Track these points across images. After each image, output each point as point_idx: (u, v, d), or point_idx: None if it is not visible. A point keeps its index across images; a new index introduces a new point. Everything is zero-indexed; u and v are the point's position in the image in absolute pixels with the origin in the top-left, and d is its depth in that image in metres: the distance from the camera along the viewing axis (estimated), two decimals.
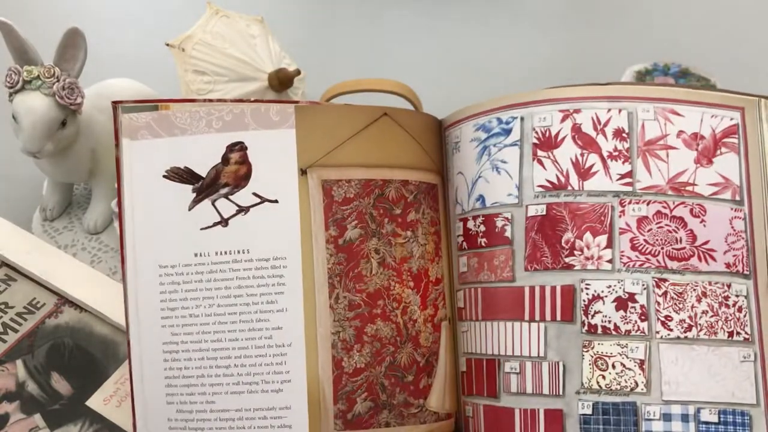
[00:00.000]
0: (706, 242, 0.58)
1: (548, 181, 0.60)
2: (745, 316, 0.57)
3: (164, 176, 0.59)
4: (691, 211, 0.58)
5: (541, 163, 0.60)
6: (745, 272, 0.58)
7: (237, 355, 0.58)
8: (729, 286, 0.58)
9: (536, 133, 0.61)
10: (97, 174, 0.85)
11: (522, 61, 1.14)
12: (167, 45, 0.85)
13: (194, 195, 0.59)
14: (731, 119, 0.59)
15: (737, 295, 0.58)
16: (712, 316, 0.57)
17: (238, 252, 0.58)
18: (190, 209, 0.59)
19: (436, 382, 0.62)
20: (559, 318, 0.59)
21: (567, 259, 0.59)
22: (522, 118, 0.61)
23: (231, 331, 0.58)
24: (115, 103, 0.60)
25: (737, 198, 0.59)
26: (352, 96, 0.82)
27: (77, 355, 0.70)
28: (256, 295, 0.58)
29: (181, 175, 0.59)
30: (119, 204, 0.60)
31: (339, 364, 0.58)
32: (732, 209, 0.59)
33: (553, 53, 1.15)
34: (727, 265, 0.58)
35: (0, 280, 0.74)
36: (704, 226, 0.58)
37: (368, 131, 0.60)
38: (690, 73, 0.97)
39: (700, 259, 0.58)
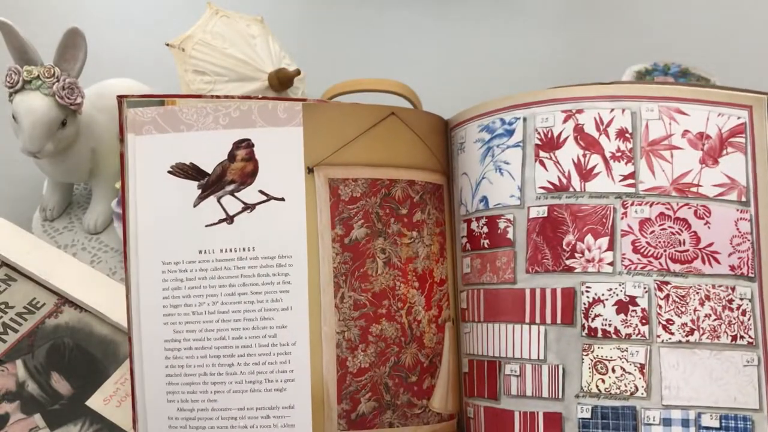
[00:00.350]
0: (711, 244, 0.57)
1: (550, 182, 0.60)
2: (749, 319, 0.56)
3: (169, 172, 0.59)
4: (696, 212, 0.57)
5: (543, 164, 0.60)
6: (750, 275, 0.57)
7: (240, 354, 0.58)
8: (733, 289, 0.57)
9: (538, 133, 0.60)
10: (97, 174, 0.85)
11: (522, 61, 1.14)
12: (167, 45, 0.85)
13: (199, 191, 0.59)
14: (738, 118, 0.58)
15: (741, 299, 0.57)
16: (715, 320, 0.56)
17: (243, 249, 0.58)
18: (195, 206, 0.59)
19: (439, 383, 0.62)
20: (559, 321, 0.58)
21: (568, 262, 0.58)
22: (525, 119, 0.61)
23: (235, 329, 0.58)
24: (121, 98, 0.60)
25: (743, 199, 0.57)
26: (354, 96, 0.82)
27: (77, 355, 0.70)
28: (260, 293, 0.58)
29: (187, 171, 0.59)
30: (123, 200, 0.59)
31: (343, 363, 0.58)
32: (738, 210, 0.57)
33: (554, 53, 1.15)
34: (732, 268, 0.57)
35: (0, 280, 0.74)
36: (709, 228, 0.57)
37: (375, 130, 0.60)
38: (690, 73, 0.97)
39: (704, 261, 0.57)
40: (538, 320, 0.59)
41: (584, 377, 0.57)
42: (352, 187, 0.60)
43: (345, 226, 0.59)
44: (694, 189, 0.58)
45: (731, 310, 0.57)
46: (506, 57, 1.14)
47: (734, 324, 0.56)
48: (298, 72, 0.88)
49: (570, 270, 0.58)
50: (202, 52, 0.85)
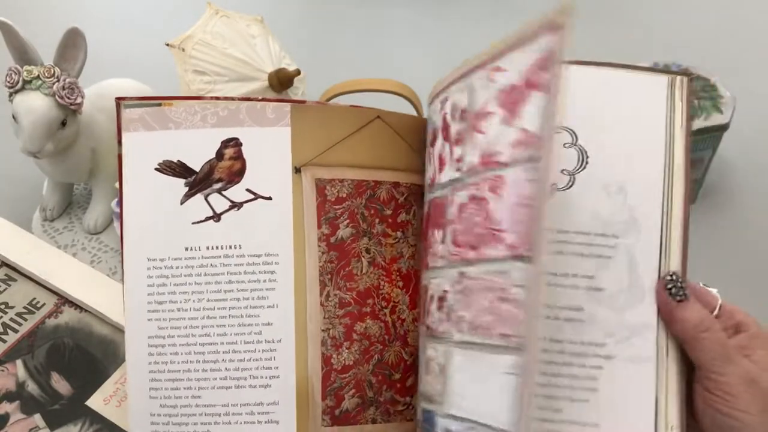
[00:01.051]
0: (498, 222, 0.45)
1: (429, 178, 0.57)
2: (508, 313, 0.45)
3: (156, 169, 0.59)
4: (491, 186, 0.46)
5: (430, 160, 0.57)
6: (528, 254, 0.43)
7: (225, 350, 0.57)
8: (508, 274, 0.44)
9: (430, 130, 0.58)
10: (97, 174, 0.86)
11: None
12: (167, 45, 0.85)
13: (187, 189, 0.58)
14: (541, 48, 0.43)
15: (515, 286, 0.43)
16: (490, 315, 0.45)
17: (230, 247, 0.58)
18: (182, 203, 0.58)
19: None
20: (420, 318, 0.57)
21: (427, 258, 0.56)
22: (429, 117, 0.58)
23: (220, 326, 0.57)
24: (119, 100, 0.60)
25: (533, 153, 0.43)
26: (353, 96, 0.82)
27: (77, 355, 0.70)
28: (246, 290, 0.57)
29: (174, 168, 0.58)
30: (121, 200, 0.60)
31: (328, 360, 0.58)
32: (526, 171, 0.44)
33: None
34: (511, 247, 0.44)
35: (0, 280, 0.74)
36: (500, 201, 0.46)
37: (361, 133, 0.60)
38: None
39: (488, 243, 0.46)
40: (421, 318, 0.57)
41: (421, 377, 0.55)
42: (339, 188, 0.59)
43: (331, 225, 0.59)
44: (494, 158, 0.47)
45: (506, 301, 0.44)
46: None
47: (505, 319, 0.44)
48: (298, 72, 0.88)
49: (426, 266, 0.56)
50: (202, 52, 0.86)
